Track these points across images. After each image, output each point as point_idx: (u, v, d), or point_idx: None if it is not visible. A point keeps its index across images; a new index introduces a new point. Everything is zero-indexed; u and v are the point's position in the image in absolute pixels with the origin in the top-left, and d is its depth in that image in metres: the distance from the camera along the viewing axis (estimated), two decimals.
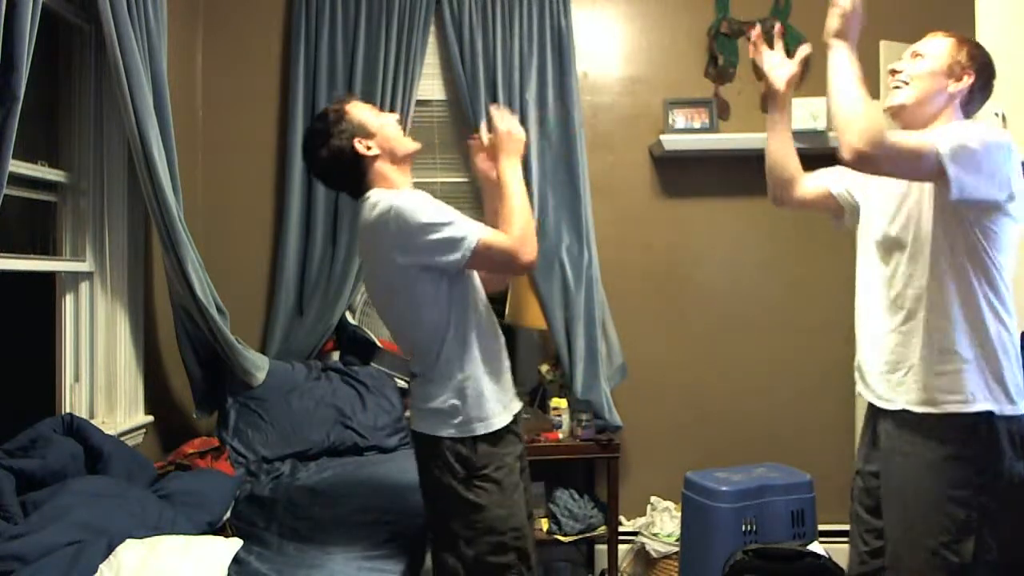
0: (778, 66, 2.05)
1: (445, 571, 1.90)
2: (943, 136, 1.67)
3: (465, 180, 3.42)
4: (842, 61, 1.73)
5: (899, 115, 1.88)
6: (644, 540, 3.18)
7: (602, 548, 3.20)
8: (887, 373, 1.85)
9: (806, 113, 3.18)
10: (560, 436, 3.13)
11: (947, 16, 3.21)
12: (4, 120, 1.69)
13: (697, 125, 3.35)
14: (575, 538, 3.10)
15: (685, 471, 2.98)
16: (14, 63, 1.70)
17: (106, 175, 2.64)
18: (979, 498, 1.70)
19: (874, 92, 2.99)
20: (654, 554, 3.14)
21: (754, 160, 3.39)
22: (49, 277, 2.57)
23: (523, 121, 3.22)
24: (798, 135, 3.18)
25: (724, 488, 2.81)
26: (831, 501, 3.19)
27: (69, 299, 2.59)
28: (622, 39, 3.46)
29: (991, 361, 1.72)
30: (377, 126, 1.96)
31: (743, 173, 3.42)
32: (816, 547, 2.65)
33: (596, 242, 3.28)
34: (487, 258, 1.82)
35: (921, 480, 1.75)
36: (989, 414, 1.70)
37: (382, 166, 1.94)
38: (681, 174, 3.43)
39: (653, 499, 3.31)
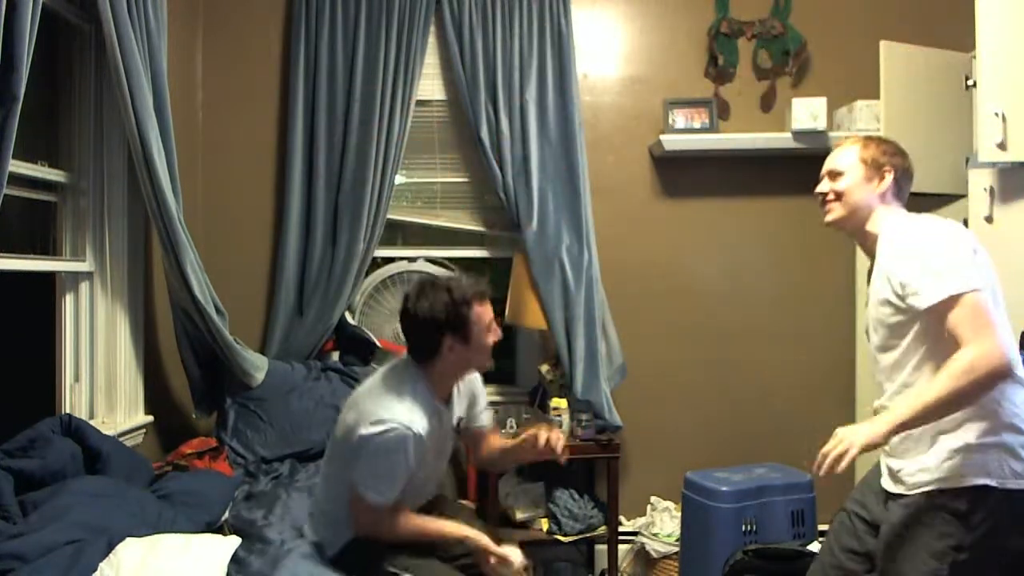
0: None
1: None
2: (934, 285, 1.63)
3: (465, 180, 3.42)
4: (907, 413, 1.65)
5: (838, 227, 1.92)
6: (644, 540, 3.18)
7: (602, 548, 3.20)
8: (891, 457, 1.82)
9: (806, 113, 3.18)
10: None
11: (947, 16, 3.22)
12: (4, 120, 1.70)
13: (697, 125, 3.35)
14: (575, 538, 3.10)
15: (685, 471, 2.98)
16: (14, 63, 1.70)
17: (106, 175, 2.64)
18: (955, 555, 1.66)
19: (874, 93, 3.02)
20: (654, 554, 3.14)
21: (754, 160, 3.41)
22: (49, 277, 2.57)
23: (523, 121, 3.23)
24: (798, 135, 3.21)
25: (724, 488, 2.80)
26: (831, 501, 3.18)
27: (69, 299, 2.59)
28: (622, 39, 3.46)
29: (991, 438, 1.67)
30: (477, 345, 2.00)
31: (743, 173, 3.42)
32: (816, 547, 2.65)
33: (596, 242, 3.27)
34: (364, 517, 1.97)
35: (904, 526, 1.73)
36: (986, 487, 1.66)
37: (440, 370, 2.03)
38: (681, 174, 3.43)
39: (653, 499, 3.31)
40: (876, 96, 2.99)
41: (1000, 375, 1.60)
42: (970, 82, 2.77)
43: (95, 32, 2.54)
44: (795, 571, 2.50)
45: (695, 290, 3.44)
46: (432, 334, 1.96)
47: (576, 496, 3.18)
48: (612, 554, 3.11)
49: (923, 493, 1.72)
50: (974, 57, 2.55)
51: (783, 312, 3.43)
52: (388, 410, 1.92)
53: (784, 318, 3.43)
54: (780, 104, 3.38)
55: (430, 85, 3.36)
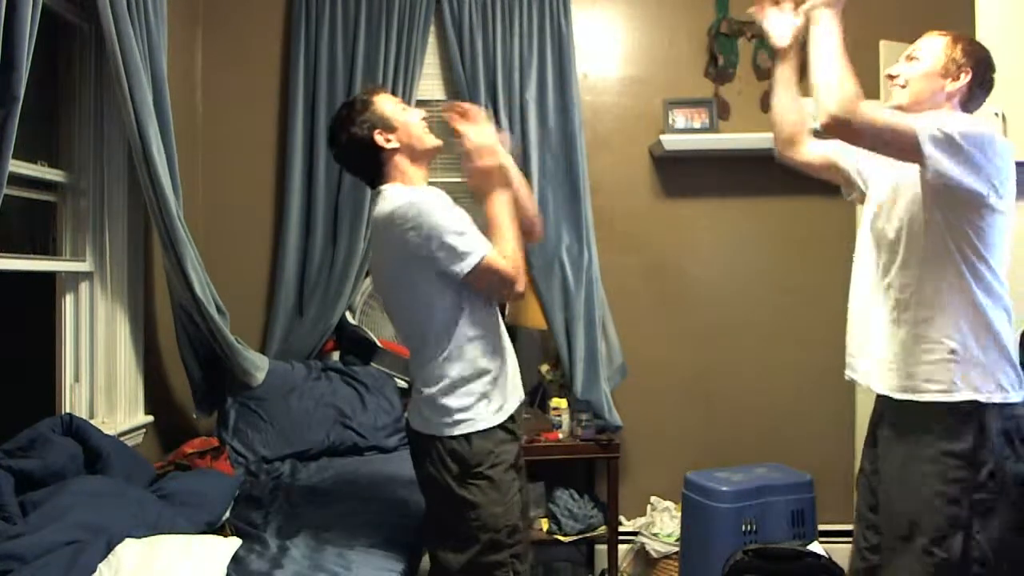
0: (779, 23, 2.03)
1: (440, 568, 1.91)
2: (927, 119, 1.69)
3: (465, 180, 3.41)
4: (828, 30, 1.76)
5: None
6: (644, 540, 3.19)
7: (602, 548, 3.20)
8: (876, 359, 1.88)
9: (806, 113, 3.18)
10: (560, 436, 3.13)
11: (947, 16, 3.21)
12: (4, 120, 1.69)
13: (697, 125, 3.35)
14: (575, 538, 3.10)
15: (685, 471, 2.98)
16: (14, 63, 1.70)
17: (106, 175, 2.64)
18: (969, 495, 1.70)
19: (874, 93, 3.01)
20: (654, 554, 3.14)
21: (754, 160, 3.40)
22: (49, 277, 2.57)
23: (523, 121, 3.23)
24: None
25: (724, 488, 2.81)
26: (831, 501, 3.19)
27: (69, 299, 2.59)
28: (622, 39, 3.46)
29: (979, 352, 1.73)
30: (400, 121, 1.98)
31: (743, 173, 3.42)
32: (816, 547, 2.65)
33: (596, 242, 3.28)
34: (486, 278, 1.82)
35: (912, 475, 1.76)
36: (975, 404, 1.71)
37: (400, 160, 1.97)
38: (681, 174, 3.43)
39: (653, 499, 3.31)
40: (876, 96, 2.98)
41: (845, 121, 1.65)
42: None
43: (95, 32, 2.54)
44: (795, 571, 2.50)
45: (695, 290, 3.44)
46: (366, 146, 1.94)
47: (576, 496, 3.18)
48: (612, 554, 3.12)
49: (925, 409, 1.73)
50: None
51: (783, 312, 3.43)
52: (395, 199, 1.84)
53: (784, 318, 3.43)
54: None
55: (430, 85, 3.35)
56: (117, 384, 2.66)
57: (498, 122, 3.21)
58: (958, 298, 1.74)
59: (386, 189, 1.94)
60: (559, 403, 3.18)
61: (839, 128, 1.68)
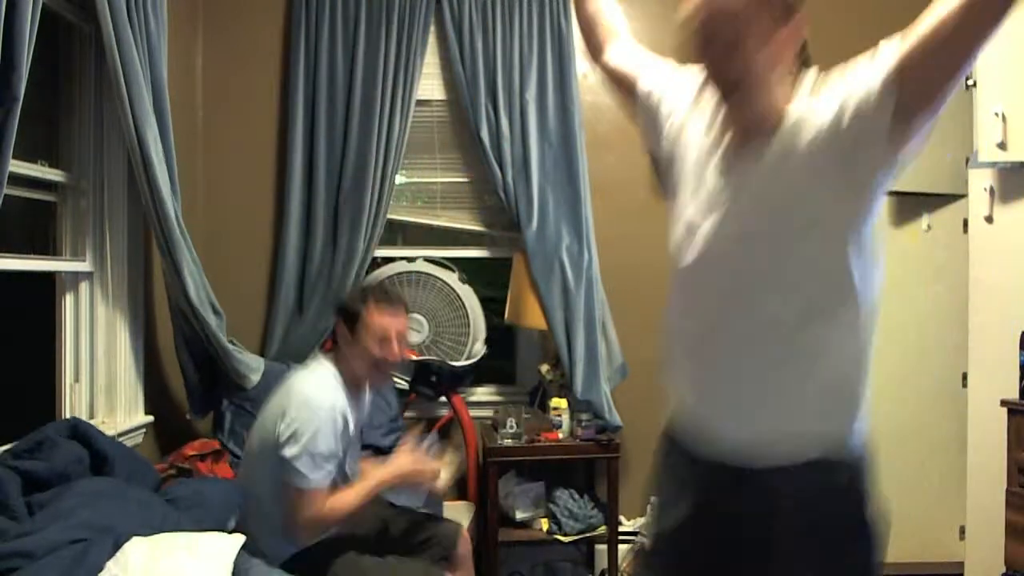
0: None
1: None
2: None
3: (465, 180, 3.42)
4: None
5: None
6: (644, 540, 3.18)
7: (602, 548, 3.20)
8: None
9: None
10: (560, 436, 3.13)
11: None
12: (4, 120, 1.69)
13: None
14: (575, 538, 3.10)
15: None
16: (14, 63, 1.70)
17: (106, 175, 2.64)
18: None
19: None
20: None
21: None
22: (49, 277, 2.57)
23: (523, 121, 3.23)
24: None
25: None
26: None
27: (69, 299, 2.59)
28: None
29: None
30: (362, 344, 2.03)
31: None
32: None
33: (596, 242, 3.28)
34: (292, 503, 1.95)
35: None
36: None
37: (341, 359, 2.07)
38: None
39: (653, 499, 3.30)
40: None
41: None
42: (970, 82, 2.78)
43: (95, 32, 2.54)
44: None
45: None
46: (335, 317, 2.11)
47: (576, 496, 3.18)
48: (612, 554, 3.12)
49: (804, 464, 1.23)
50: None
51: None
52: (312, 392, 1.98)
53: None
54: None
55: (430, 85, 3.36)
56: (117, 384, 2.66)
57: (498, 122, 3.21)
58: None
59: (319, 366, 2.04)
60: (559, 403, 3.17)
61: None
